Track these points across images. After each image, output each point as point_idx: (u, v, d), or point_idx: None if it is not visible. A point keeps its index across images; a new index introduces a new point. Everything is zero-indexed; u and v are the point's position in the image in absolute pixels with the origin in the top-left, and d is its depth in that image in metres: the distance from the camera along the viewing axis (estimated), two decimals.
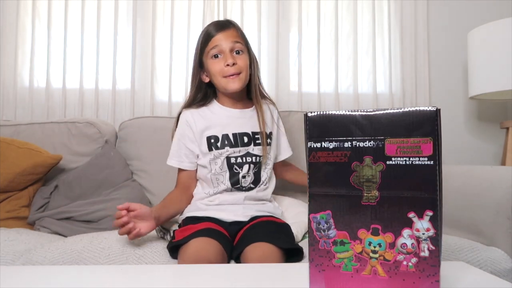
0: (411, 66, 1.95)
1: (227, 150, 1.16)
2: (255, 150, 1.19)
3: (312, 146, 0.56)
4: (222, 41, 1.14)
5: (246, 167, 1.17)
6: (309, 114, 0.57)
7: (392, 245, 0.53)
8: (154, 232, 1.20)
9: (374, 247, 0.53)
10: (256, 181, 1.19)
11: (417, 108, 0.52)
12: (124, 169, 1.56)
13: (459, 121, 2.03)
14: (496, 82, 1.61)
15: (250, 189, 1.18)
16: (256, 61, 1.23)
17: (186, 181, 1.23)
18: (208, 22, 1.87)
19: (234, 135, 1.18)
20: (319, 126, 0.56)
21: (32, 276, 0.66)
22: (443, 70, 2.01)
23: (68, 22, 1.85)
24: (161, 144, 1.58)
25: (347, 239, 0.54)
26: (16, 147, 1.42)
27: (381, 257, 0.53)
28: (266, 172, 1.21)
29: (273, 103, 1.31)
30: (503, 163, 1.74)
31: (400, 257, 0.52)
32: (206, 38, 1.17)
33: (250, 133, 1.19)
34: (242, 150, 1.17)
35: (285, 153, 1.33)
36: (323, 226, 0.56)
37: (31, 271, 0.72)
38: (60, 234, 1.30)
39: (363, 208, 0.54)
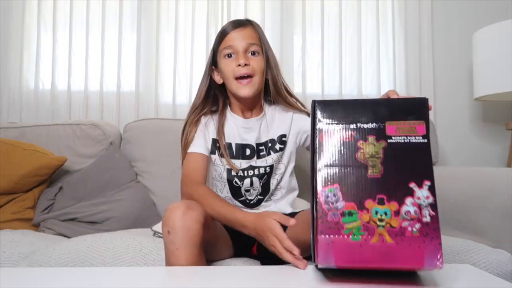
0: (415, 68, 1.94)
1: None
2: (258, 162, 1.11)
3: (321, 128, 0.63)
4: (236, 40, 1.06)
5: (248, 181, 1.10)
6: (317, 100, 0.65)
7: (397, 213, 0.57)
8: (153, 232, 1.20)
9: (381, 215, 0.58)
10: (265, 192, 1.12)
11: (411, 97, 0.66)
12: (129, 171, 1.56)
13: (464, 123, 2.02)
14: (501, 83, 1.60)
15: (258, 202, 1.12)
16: (276, 64, 1.12)
17: (200, 168, 1.06)
18: (212, 25, 1.90)
19: (237, 146, 1.11)
20: (326, 111, 0.64)
21: (36, 278, 0.66)
22: (448, 72, 2.00)
23: (73, 24, 1.86)
24: (165, 145, 1.59)
25: (355, 210, 0.58)
26: (21, 149, 1.43)
27: (388, 225, 0.57)
28: (276, 179, 1.13)
29: (299, 108, 1.16)
30: (508, 164, 1.73)
31: (405, 223, 0.57)
32: (220, 36, 1.09)
33: (254, 145, 1.11)
34: (243, 163, 1.10)
35: None
36: (331, 199, 0.59)
37: (35, 273, 0.72)
38: (65, 236, 1.30)
39: (369, 180, 0.59)
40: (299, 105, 1.17)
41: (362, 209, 0.58)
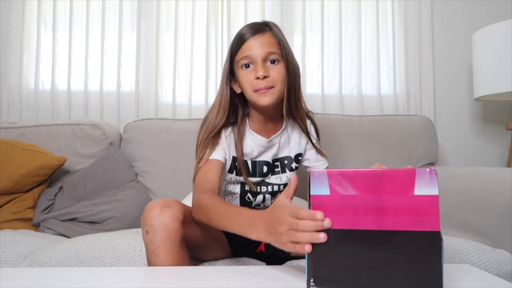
0: (415, 68, 1.94)
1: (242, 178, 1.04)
2: (271, 178, 1.09)
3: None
4: (254, 49, 0.96)
5: (260, 197, 1.08)
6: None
7: None
8: None
9: None
10: None
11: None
12: (129, 171, 1.56)
13: (464, 123, 2.02)
14: (501, 84, 1.60)
15: None
16: (296, 72, 1.01)
17: (212, 178, 0.95)
18: (212, 25, 1.90)
19: (253, 163, 1.06)
20: None
21: (36, 278, 0.66)
22: (448, 72, 2.00)
23: (73, 25, 1.86)
24: (165, 145, 1.59)
25: None
26: (21, 149, 1.43)
27: None
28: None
29: (310, 123, 1.13)
30: (508, 164, 1.73)
31: None
32: (237, 44, 0.99)
33: (270, 161, 1.08)
34: (258, 179, 1.08)
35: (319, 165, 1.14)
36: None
37: (35, 273, 0.72)
38: (65, 236, 1.30)
39: None
40: (311, 136, 1.11)
41: None
